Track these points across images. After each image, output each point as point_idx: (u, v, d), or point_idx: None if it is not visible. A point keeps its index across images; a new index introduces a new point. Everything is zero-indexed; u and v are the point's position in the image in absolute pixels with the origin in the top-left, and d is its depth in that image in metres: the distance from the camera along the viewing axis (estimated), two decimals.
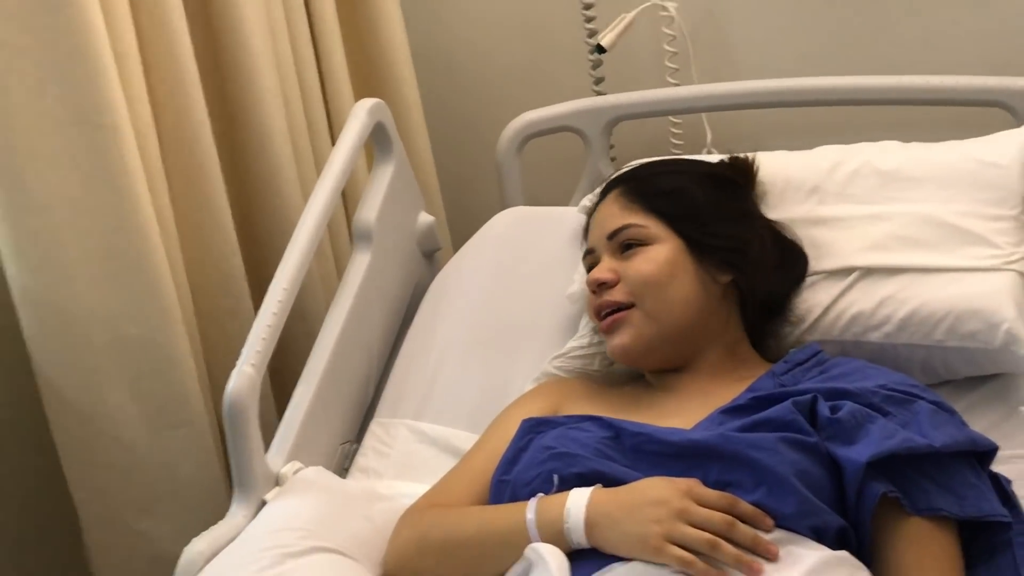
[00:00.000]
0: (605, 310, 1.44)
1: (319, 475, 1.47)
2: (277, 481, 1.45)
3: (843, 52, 1.99)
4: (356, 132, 1.72)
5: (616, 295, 1.43)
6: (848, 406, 1.28)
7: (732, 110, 1.95)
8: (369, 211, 1.74)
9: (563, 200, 1.93)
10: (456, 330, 1.72)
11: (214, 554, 1.34)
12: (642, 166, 1.61)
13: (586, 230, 1.56)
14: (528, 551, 1.21)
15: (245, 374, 1.42)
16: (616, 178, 1.56)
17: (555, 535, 1.22)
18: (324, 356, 1.60)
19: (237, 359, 1.44)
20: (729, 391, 1.37)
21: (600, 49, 2.01)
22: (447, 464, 1.49)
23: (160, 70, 1.64)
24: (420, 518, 1.37)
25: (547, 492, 1.26)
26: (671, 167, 1.59)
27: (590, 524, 1.20)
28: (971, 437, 1.28)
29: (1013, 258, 1.50)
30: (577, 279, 1.62)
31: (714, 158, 1.66)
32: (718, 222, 1.47)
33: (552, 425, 1.37)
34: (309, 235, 1.59)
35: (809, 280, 1.54)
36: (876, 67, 1.89)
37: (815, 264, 1.54)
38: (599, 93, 2.06)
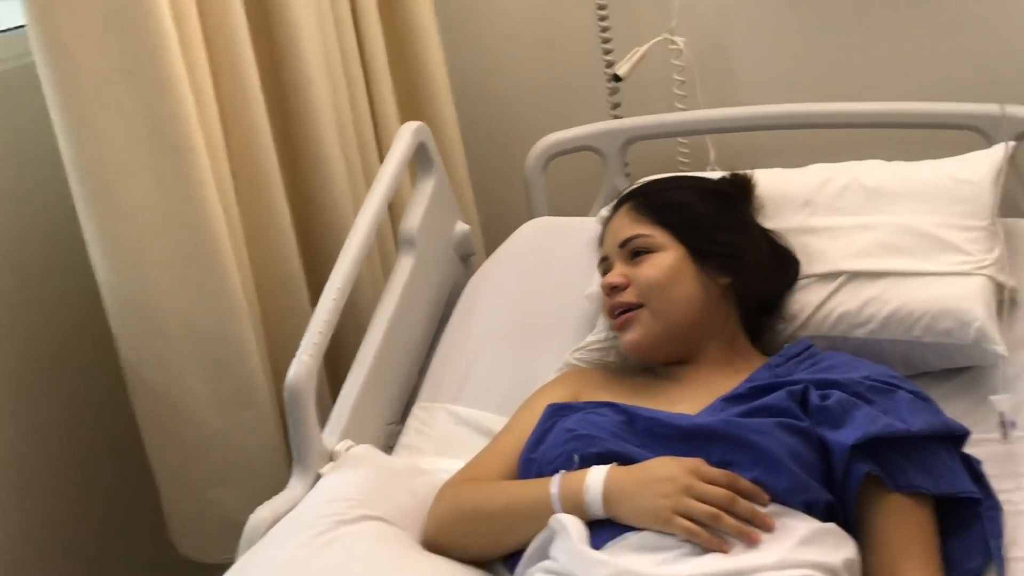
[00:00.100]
0: (617, 310, 1.44)
1: (368, 452, 1.47)
2: (331, 457, 1.45)
3: (833, 80, 1.98)
4: (401, 151, 1.72)
5: (627, 297, 1.44)
6: (836, 395, 1.28)
7: (734, 132, 1.95)
8: (412, 220, 1.74)
9: (584, 211, 1.93)
10: (489, 325, 1.72)
11: (276, 520, 1.35)
12: (650, 182, 1.61)
13: (601, 239, 1.56)
14: (552, 521, 1.22)
15: (304, 363, 1.43)
16: (627, 193, 1.56)
17: (576, 507, 1.22)
18: (373, 348, 1.60)
19: (297, 350, 1.45)
20: (729, 381, 1.37)
21: (617, 78, 2.01)
22: (480, 443, 1.49)
23: (231, 98, 1.65)
24: (456, 491, 1.37)
25: (569, 469, 1.27)
26: (677, 183, 1.59)
27: (607, 498, 1.21)
28: (946, 423, 1.29)
29: (984, 264, 1.49)
30: (594, 282, 1.63)
31: (716, 175, 1.66)
32: (718, 231, 1.47)
33: (573, 410, 1.37)
34: (360, 241, 1.59)
35: (801, 283, 1.54)
36: (863, 94, 1.88)
37: (807, 268, 1.54)
38: (616, 116, 2.06)
